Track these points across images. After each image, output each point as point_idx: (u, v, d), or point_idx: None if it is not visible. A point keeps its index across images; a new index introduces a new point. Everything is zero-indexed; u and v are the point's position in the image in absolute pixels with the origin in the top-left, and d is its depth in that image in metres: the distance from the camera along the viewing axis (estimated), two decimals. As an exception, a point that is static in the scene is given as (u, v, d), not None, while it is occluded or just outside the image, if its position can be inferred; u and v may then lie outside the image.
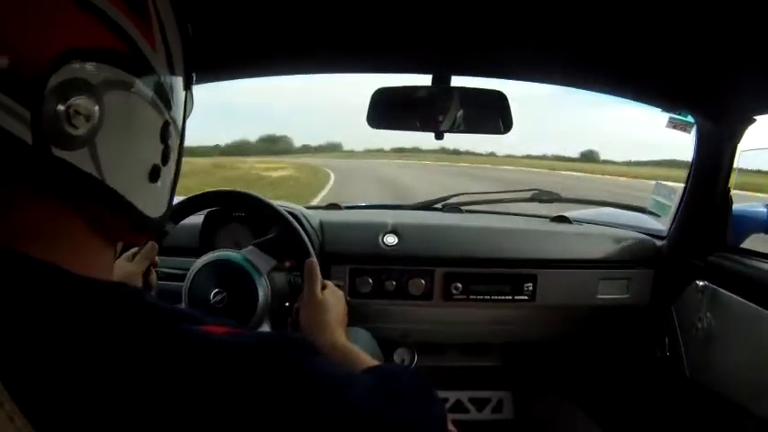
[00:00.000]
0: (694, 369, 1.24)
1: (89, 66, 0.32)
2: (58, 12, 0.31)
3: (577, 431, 1.55)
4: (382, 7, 0.81)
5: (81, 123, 0.32)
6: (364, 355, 0.66)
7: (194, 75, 0.45)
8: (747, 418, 1.07)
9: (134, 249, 0.85)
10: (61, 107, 0.31)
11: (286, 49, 1.00)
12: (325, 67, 1.16)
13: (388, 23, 0.88)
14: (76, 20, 0.32)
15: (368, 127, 1.12)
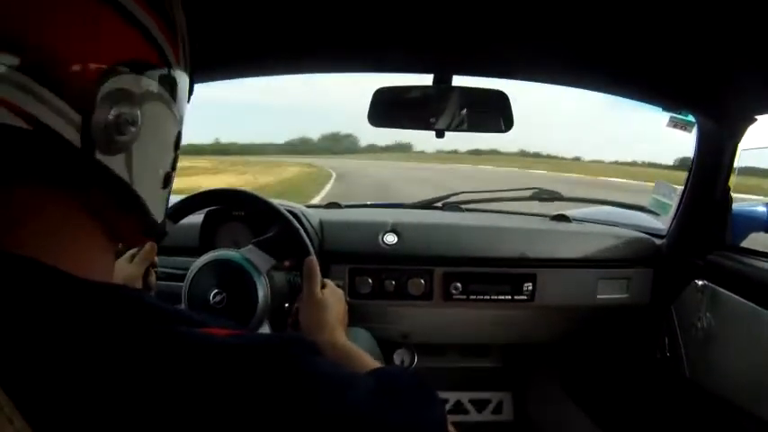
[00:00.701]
0: (694, 369, 1.24)
1: (134, 76, 0.35)
2: (111, 27, 0.34)
3: None
4: (383, 7, 0.81)
5: (127, 131, 0.34)
6: (365, 354, 0.66)
7: (194, 84, 0.47)
8: (747, 418, 1.07)
9: (133, 251, 0.85)
10: (112, 115, 0.33)
11: (286, 48, 1.00)
12: (326, 66, 1.16)
13: (390, 23, 0.88)
14: (127, 35, 0.35)
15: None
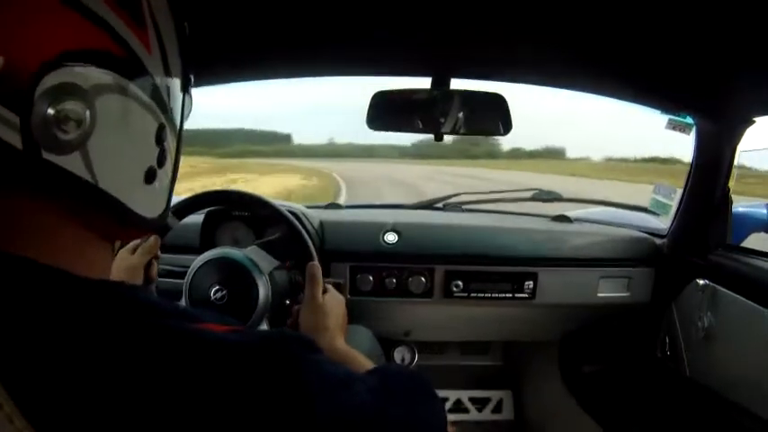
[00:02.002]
0: (694, 368, 1.25)
1: (81, 69, 0.32)
2: (49, 14, 0.31)
3: (577, 431, 1.56)
4: (382, 10, 0.81)
5: (71, 128, 0.31)
6: (363, 357, 0.67)
7: (192, 77, 0.45)
8: (747, 417, 1.07)
9: (136, 242, 0.86)
10: (51, 112, 0.30)
11: (285, 51, 1.00)
12: (325, 69, 1.16)
13: (388, 26, 0.88)
14: (68, 22, 0.31)
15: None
